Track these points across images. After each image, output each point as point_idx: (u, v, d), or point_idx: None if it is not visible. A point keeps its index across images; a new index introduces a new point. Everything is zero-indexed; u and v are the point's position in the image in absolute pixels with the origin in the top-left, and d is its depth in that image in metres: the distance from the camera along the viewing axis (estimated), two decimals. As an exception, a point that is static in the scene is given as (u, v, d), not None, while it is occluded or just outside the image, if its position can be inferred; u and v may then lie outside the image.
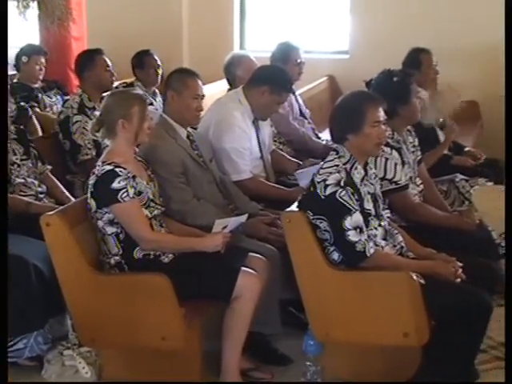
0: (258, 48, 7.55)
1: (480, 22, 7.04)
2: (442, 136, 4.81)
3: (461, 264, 3.15)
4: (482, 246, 3.63)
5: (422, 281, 3.07)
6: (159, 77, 5.63)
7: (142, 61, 5.70)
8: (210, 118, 4.09)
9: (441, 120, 4.86)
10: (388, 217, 3.36)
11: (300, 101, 5.24)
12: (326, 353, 3.30)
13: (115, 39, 7.33)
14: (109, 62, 4.80)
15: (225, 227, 3.28)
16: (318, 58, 7.62)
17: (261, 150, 4.17)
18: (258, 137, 4.14)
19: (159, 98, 5.55)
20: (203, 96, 3.68)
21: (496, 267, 3.59)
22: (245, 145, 4.01)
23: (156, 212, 3.30)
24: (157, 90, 5.73)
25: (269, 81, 4.03)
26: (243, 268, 3.20)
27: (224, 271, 3.18)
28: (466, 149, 5.03)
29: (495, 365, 3.51)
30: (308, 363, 3.27)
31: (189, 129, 3.74)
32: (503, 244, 4.18)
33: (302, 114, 5.16)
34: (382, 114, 3.16)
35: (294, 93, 4.98)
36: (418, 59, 4.98)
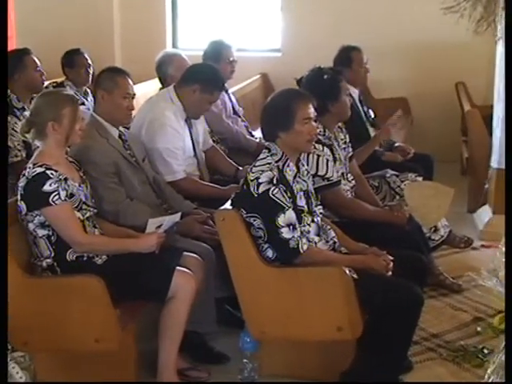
0: (191, 46, 7.55)
1: (409, 21, 7.19)
2: (372, 132, 4.89)
3: (392, 257, 3.21)
4: (413, 239, 3.71)
5: (355, 275, 3.11)
6: (90, 76, 5.55)
7: (72, 60, 5.61)
8: (143, 118, 4.05)
9: (372, 116, 4.94)
10: (321, 213, 3.40)
11: (233, 99, 5.24)
12: (263, 350, 3.33)
13: (44, 38, 7.22)
14: (38, 62, 4.71)
15: (159, 227, 3.26)
16: (251, 56, 7.66)
17: (194, 149, 4.16)
18: (191, 135, 4.13)
19: (91, 98, 5.48)
20: (134, 95, 3.64)
21: (426, 260, 3.67)
22: (178, 145, 3.99)
23: (88, 214, 3.26)
24: (88, 90, 5.65)
25: (200, 79, 4.02)
26: (178, 268, 3.19)
27: (158, 271, 3.16)
28: (396, 144, 5.12)
29: (428, 356, 3.59)
30: (245, 361, 3.29)
31: (121, 128, 3.70)
32: (433, 237, 4.30)
33: (235, 112, 5.16)
34: (311, 111, 3.19)
35: (226, 91, 4.99)
36: (348, 57, 5.03)
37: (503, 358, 2.41)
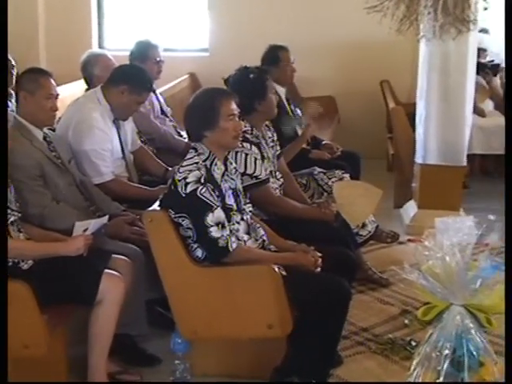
0: (117, 46, 7.48)
1: (335, 21, 7.31)
2: (300, 130, 4.93)
3: (320, 254, 3.25)
4: (341, 235, 3.77)
5: (284, 272, 3.14)
6: (14, 77, 5.43)
7: (-6, 61, 5.47)
8: (69, 119, 4.00)
9: (299, 114, 4.98)
10: (250, 211, 3.41)
11: (161, 99, 5.22)
12: (195, 350, 3.32)
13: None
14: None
15: (86, 230, 3.22)
16: (179, 55, 7.65)
17: (123, 150, 4.13)
18: (119, 136, 4.09)
19: (14, 100, 5.35)
20: (57, 95, 3.59)
21: (354, 256, 3.74)
22: (105, 146, 3.95)
23: (13, 218, 3.18)
24: (12, 91, 5.52)
25: (128, 80, 3.98)
26: (106, 270, 3.16)
27: (86, 274, 3.12)
28: (324, 142, 5.18)
29: (357, 350, 3.66)
30: (177, 362, 3.27)
31: (45, 130, 3.64)
32: (361, 233, 4.37)
33: (163, 112, 5.14)
34: (234, 107, 3.21)
35: (154, 91, 4.96)
36: (276, 56, 5.06)
37: (428, 349, 2.47)
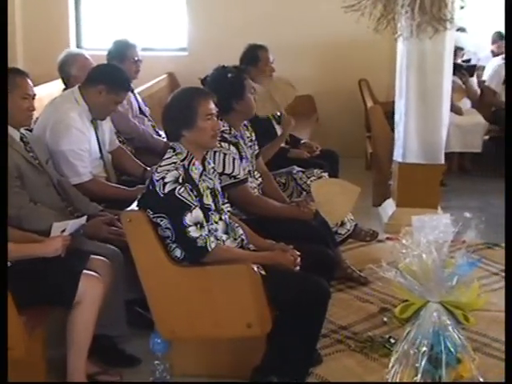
0: (95, 46, 7.44)
1: (314, 20, 7.32)
2: (279, 130, 4.94)
3: (299, 253, 3.26)
4: (320, 234, 3.78)
5: (263, 272, 3.14)
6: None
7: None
8: (47, 119, 3.97)
9: (277, 113, 4.99)
10: (228, 211, 3.42)
11: (139, 98, 5.20)
12: (174, 350, 3.32)
13: None
14: None
15: (64, 230, 3.21)
16: (158, 55, 7.63)
17: (101, 150, 4.11)
18: (97, 136, 4.07)
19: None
20: (34, 95, 3.57)
21: (333, 254, 3.75)
22: (83, 146, 3.93)
23: (-11, 219, 3.17)
24: (-11, 92, 5.48)
25: (105, 80, 3.97)
26: (85, 271, 3.15)
27: (65, 276, 3.10)
28: (302, 141, 5.19)
29: (337, 348, 3.67)
30: (156, 362, 3.27)
31: (22, 130, 3.62)
32: (339, 231, 4.39)
33: (141, 111, 5.12)
34: (212, 107, 3.21)
35: (132, 91, 4.94)
36: (255, 55, 5.07)
37: (406, 346, 2.49)
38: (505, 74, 3.25)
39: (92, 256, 3.30)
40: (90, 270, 3.19)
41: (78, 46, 7.70)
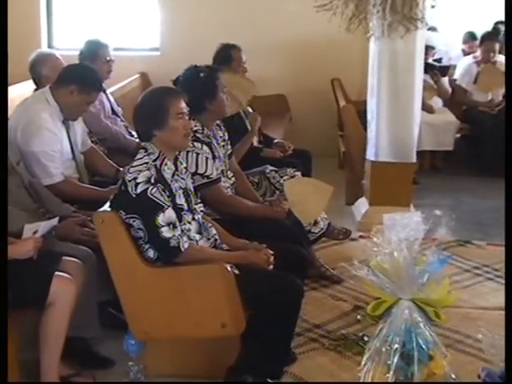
0: (67, 46, 7.40)
1: (286, 20, 7.34)
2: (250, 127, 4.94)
3: (272, 252, 3.27)
4: (293, 233, 3.79)
5: (237, 271, 3.15)
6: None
7: None
8: (18, 120, 3.95)
9: (246, 111, 4.99)
10: (201, 210, 3.41)
11: (111, 99, 5.19)
12: (148, 351, 3.31)
13: None
14: None
15: (35, 232, 3.18)
16: (130, 55, 7.60)
17: (73, 151, 4.09)
18: (69, 137, 4.05)
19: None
20: (5, 96, 3.54)
21: (306, 253, 3.76)
22: (55, 147, 3.92)
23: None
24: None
25: (77, 80, 3.95)
26: (57, 273, 3.12)
27: (37, 277, 3.08)
28: (276, 141, 5.20)
29: (311, 346, 3.68)
30: (130, 363, 3.26)
31: (-8, 132, 3.59)
32: (313, 230, 4.40)
33: (114, 112, 5.11)
34: (184, 106, 3.20)
35: (104, 91, 4.92)
36: (228, 55, 5.07)
37: (378, 344, 2.51)
38: (505, 73, 3.26)
39: (64, 257, 3.28)
40: (63, 272, 3.17)
41: (50, 46, 7.64)
